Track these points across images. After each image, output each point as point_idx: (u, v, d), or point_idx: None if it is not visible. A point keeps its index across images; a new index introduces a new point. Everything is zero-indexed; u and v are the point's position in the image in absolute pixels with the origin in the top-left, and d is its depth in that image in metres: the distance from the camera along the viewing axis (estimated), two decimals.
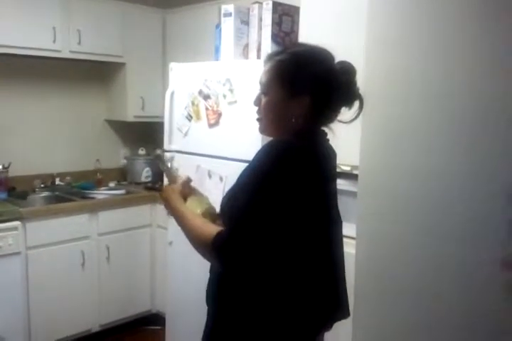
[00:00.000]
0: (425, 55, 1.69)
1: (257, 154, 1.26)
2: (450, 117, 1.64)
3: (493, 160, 1.53)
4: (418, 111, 1.72)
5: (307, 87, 1.25)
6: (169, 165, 1.49)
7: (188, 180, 1.45)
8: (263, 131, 1.37)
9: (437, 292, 1.65)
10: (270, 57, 1.33)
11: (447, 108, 1.65)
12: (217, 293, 1.32)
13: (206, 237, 1.18)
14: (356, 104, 1.31)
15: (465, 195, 1.57)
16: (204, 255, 1.23)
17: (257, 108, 1.35)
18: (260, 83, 1.33)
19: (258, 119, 1.36)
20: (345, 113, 1.33)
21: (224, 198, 1.36)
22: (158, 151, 1.52)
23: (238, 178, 1.34)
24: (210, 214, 1.35)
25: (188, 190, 1.43)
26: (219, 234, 1.17)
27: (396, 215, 1.79)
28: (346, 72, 1.28)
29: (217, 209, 1.41)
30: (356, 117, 1.32)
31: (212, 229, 1.20)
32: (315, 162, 1.24)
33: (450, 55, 1.63)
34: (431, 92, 1.68)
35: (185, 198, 1.40)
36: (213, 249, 1.16)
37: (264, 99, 1.31)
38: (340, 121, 1.34)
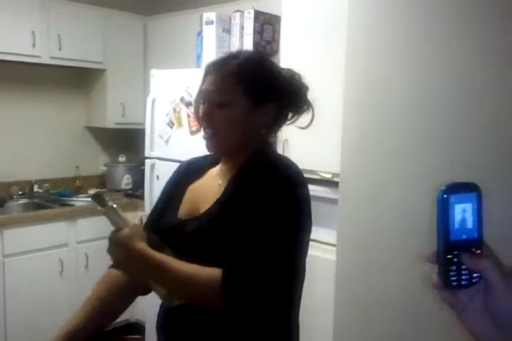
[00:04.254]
0: (404, 63, 1.72)
1: (261, 186, 1.07)
2: (429, 124, 1.67)
3: (473, 165, 1.56)
4: (398, 118, 1.75)
5: (272, 92, 1.14)
6: (114, 206, 1.17)
7: (141, 223, 1.21)
8: (223, 149, 1.18)
9: (418, 297, 1.67)
10: (223, 62, 1.14)
11: (426, 115, 1.68)
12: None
13: (211, 281, 0.99)
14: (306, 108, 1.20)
15: None
16: (208, 302, 1.02)
17: (204, 124, 1.15)
18: (210, 93, 1.12)
19: (209, 137, 1.16)
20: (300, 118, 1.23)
21: (210, 224, 1.10)
22: (95, 191, 1.18)
23: (239, 211, 1.08)
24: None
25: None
26: (227, 275, 0.98)
27: (376, 222, 1.81)
28: (293, 74, 1.19)
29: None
30: (311, 121, 1.21)
31: (210, 271, 1.00)
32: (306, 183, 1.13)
33: (428, 63, 1.66)
34: (410, 99, 1.71)
35: None
36: (224, 291, 0.97)
37: (221, 112, 1.11)
38: (298, 127, 1.23)
